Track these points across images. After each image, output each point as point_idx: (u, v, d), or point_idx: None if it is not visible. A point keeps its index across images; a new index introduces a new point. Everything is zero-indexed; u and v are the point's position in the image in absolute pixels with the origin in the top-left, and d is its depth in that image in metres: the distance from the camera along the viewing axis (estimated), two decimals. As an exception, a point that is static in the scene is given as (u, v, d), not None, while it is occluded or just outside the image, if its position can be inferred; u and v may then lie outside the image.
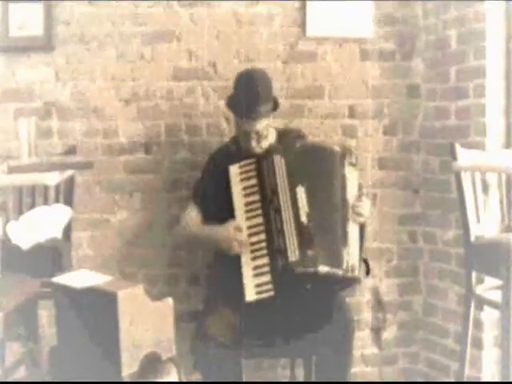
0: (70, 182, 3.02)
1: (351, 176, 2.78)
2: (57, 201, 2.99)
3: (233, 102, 2.91)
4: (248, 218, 2.76)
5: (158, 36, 3.31)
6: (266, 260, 2.70)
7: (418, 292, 3.54)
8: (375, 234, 3.48)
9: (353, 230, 2.73)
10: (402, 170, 3.51)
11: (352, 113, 3.45)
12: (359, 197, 2.78)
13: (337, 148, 2.82)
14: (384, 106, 3.47)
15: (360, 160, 3.42)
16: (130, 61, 3.31)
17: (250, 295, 2.67)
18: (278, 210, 2.71)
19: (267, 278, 2.68)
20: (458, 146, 2.94)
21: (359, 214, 2.74)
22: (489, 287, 2.94)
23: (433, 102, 3.42)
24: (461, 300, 3.17)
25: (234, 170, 2.84)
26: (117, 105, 3.32)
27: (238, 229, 2.75)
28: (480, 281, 2.98)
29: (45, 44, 3.24)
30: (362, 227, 2.79)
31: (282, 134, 3.02)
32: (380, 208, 3.49)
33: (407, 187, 3.52)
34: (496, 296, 2.84)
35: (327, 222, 2.71)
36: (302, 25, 3.39)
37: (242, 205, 2.79)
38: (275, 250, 2.69)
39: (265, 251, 2.71)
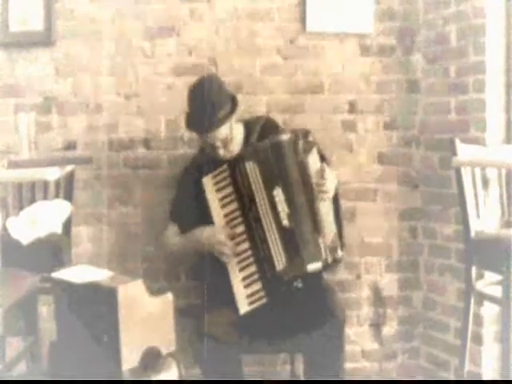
0: (70, 177, 3.02)
1: (309, 157, 2.68)
2: (57, 196, 2.99)
3: (190, 122, 2.82)
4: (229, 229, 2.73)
5: (159, 31, 3.31)
6: (253, 268, 2.68)
7: (418, 287, 3.54)
8: (375, 230, 3.48)
9: (323, 211, 2.66)
10: (402, 165, 3.50)
11: (352, 108, 3.45)
12: (320, 173, 2.67)
13: (285, 136, 2.70)
14: (384, 102, 3.47)
15: (360, 155, 3.46)
16: (130, 56, 3.30)
17: (243, 307, 2.66)
18: (258, 219, 2.66)
19: (257, 286, 2.67)
20: (458, 141, 2.94)
21: (324, 192, 2.66)
22: (489, 282, 2.94)
23: (433, 97, 3.41)
24: (461, 295, 3.17)
25: (208, 180, 2.76)
26: (117, 100, 3.31)
27: (218, 230, 2.71)
28: (480, 276, 2.98)
29: (45, 39, 3.23)
30: (335, 202, 2.75)
31: (250, 126, 2.94)
32: (380, 203, 3.49)
33: (407, 182, 3.51)
34: (496, 291, 2.83)
35: (301, 215, 2.65)
36: (302, 20, 3.38)
37: (221, 216, 2.74)
38: (261, 258, 2.66)
39: (251, 259, 2.68)
